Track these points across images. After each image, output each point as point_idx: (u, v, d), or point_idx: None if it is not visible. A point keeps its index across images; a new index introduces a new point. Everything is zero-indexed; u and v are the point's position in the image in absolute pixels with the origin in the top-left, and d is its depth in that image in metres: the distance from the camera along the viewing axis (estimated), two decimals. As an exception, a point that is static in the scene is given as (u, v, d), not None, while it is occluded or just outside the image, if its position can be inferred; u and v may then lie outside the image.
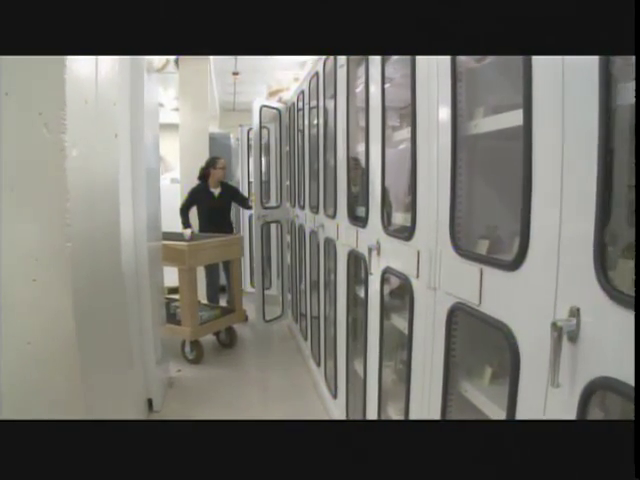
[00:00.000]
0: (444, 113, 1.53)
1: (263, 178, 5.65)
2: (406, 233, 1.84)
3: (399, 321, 2.17)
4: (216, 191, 5.25)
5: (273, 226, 5.56)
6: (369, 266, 2.18)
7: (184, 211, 5.29)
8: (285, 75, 6.47)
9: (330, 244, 3.15)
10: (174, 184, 7.77)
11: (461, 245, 1.47)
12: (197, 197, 5.26)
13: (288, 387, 3.94)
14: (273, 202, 5.79)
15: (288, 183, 5.19)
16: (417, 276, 1.75)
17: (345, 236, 2.75)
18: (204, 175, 5.29)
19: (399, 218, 2.06)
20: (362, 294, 2.69)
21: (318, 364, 3.77)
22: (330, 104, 3.26)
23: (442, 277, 1.57)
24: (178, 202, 6.68)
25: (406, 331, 2.11)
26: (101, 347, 1.82)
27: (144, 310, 3.28)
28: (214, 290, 5.29)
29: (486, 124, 1.42)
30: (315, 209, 3.61)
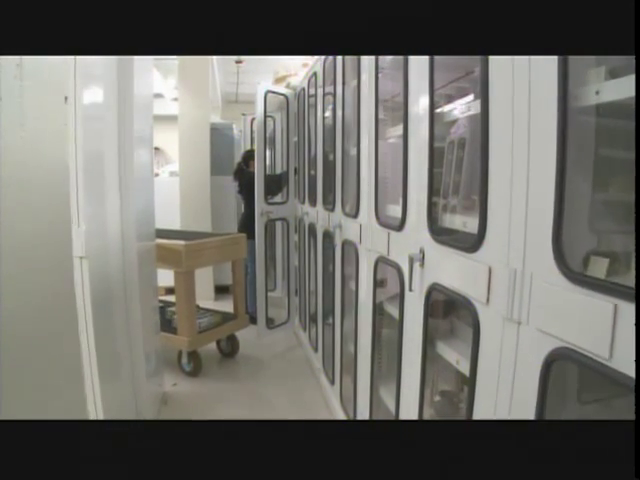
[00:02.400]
0: (544, 72, 1.07)
1: (268, 171, 5.23)
2: (469, 242, 1.39)
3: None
4: None
5: (278, 223, 5.11)
6: (408, 280, 1.73)
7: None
8: (293, 61, 6.01)
9: (350, 248, 2.70)
10: (173, 177, 7.38)
11: (571, 264, 1.02)
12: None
13: (298, 405, 3.50)
14: (278, 197, 5.35)
15: (296, 177, 4.73)
16: (487, 302, 1.30)
17: (371, 240, 2.30)
18: (242, 169, 5.17)
19: (453, 221, 1.62)
20: (391, 308, 2.26)
21: (332, 382, 3.32)
22: (350, 88, 2.82)
23: (533, 308, 1.12)
24: (177, 196, 6.27)
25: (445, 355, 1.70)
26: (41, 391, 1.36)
27: (132, 318, 2.87)
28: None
29: (616, 90, 0.97)
30: (330, 206, 3.16)
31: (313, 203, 3.78)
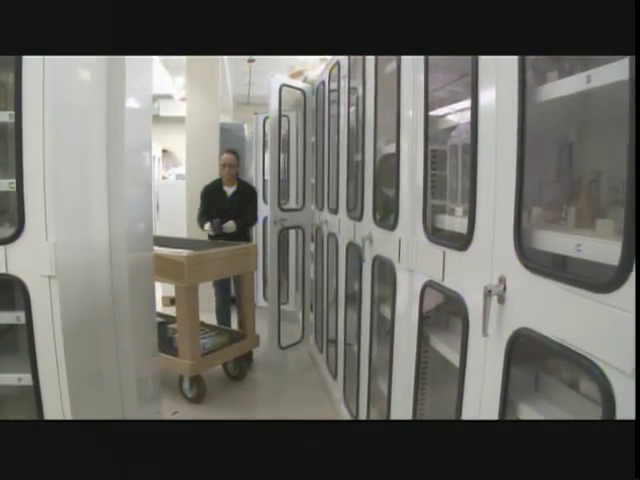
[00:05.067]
0: None
1: (281, 175, 4.78)
2: (594, 275, 0.93)
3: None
4: (229, 190, 4.22)
5: (292, 231, 4.66)
6: (483, 321, 1.26)
7: (202, 219, 4.18)
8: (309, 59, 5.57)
9: (384, 265, 2.25)
10: (179, 180, 7.01)
11: None
12: (210, 198, 4.23)
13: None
14: (293, 203, 4.91)
15: (314, 181, 4.28)
16: (636, 373, 0.84)
17: (415, 259, 1.83)
18: None
19: (553, 240, 1.15)
20: (441, 344, 1.80)
21: (355, 417, 2.86)
22: (383, 76, 2.37)
23: None
24: (184, 200, 5.85)
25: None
26: None
27: (122, 339, 2.44)
28: (226, 311, 4.29)
29: None
30: (357, 214, 2.70)
31: (334, 210, 3.32)
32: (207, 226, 3.97)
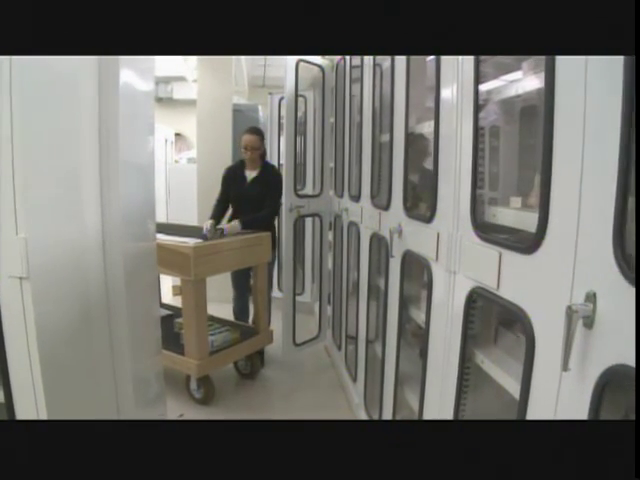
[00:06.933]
0: None
1: (298, 159, 4.47)
2: None
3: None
4: (250, 175, 3.77)
5: (308, 219, 4.35)
6: (564, 352, 0.95)
7: (215, 209, 3.82)
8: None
9: (415, 262, 1.94)
10: (191, 164, 6.78)
11: None
12: (229, 183, 3.81)
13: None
14: (310, 189, 4.61)
15: (332, 165, 3.97)
16: None
17: (459, 259, 1.53)
18: None
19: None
20: (491, 366, 1.50)
21: (377, 429, 2.58)
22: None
23: None
24: (195, 184, 5.58)
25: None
26: None
27: (117, 338, 2.17)
28: (244, 303, 3.96)
29: None
30: (382, 203, 2.39)
31: (356, 197, 3.02)
32: (206, 226, 3.37)
